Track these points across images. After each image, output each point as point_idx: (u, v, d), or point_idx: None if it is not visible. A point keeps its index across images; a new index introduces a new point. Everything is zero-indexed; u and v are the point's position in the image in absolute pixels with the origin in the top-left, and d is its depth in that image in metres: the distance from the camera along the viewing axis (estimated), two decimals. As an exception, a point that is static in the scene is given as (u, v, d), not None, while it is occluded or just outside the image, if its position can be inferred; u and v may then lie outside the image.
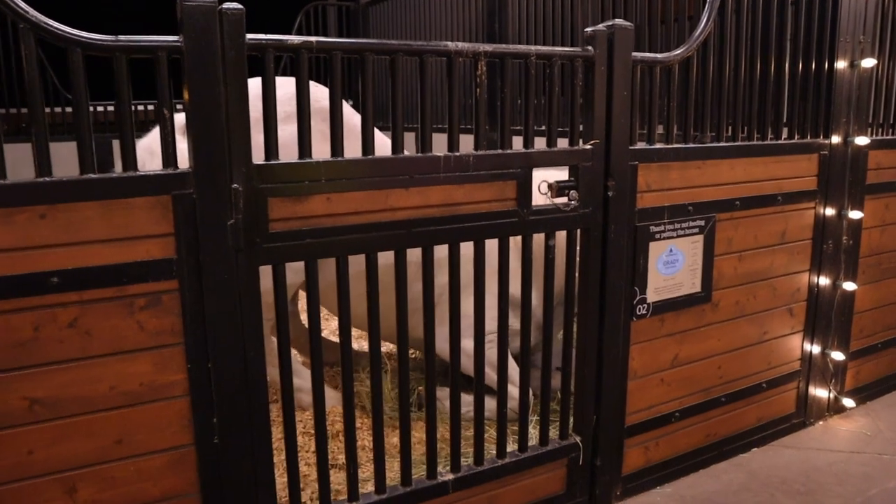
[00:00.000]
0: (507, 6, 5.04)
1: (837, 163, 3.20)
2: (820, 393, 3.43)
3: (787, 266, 3.15)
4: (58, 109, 6.53)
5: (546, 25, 4.72)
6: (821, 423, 3.47)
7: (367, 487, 2.34)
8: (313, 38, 1.96)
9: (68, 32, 1.70)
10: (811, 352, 3.34)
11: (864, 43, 3.16)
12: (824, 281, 3.28)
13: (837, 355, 3.38)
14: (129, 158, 1.83)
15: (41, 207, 1.72)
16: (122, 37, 1.76)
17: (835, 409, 3.50)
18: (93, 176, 1.78)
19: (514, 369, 2.90)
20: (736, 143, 2.88)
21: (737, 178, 2.89)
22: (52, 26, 1.68)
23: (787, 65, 2.99)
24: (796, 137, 3.09)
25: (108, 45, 1.74)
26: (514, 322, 2.64)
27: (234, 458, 2.04)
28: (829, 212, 3.22)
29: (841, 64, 3.11)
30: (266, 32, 1.91)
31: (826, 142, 3.15)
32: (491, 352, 2.73)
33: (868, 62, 3.16)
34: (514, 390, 2.76)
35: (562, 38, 4.59)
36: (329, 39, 2.00)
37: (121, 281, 1.83)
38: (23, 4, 1.65)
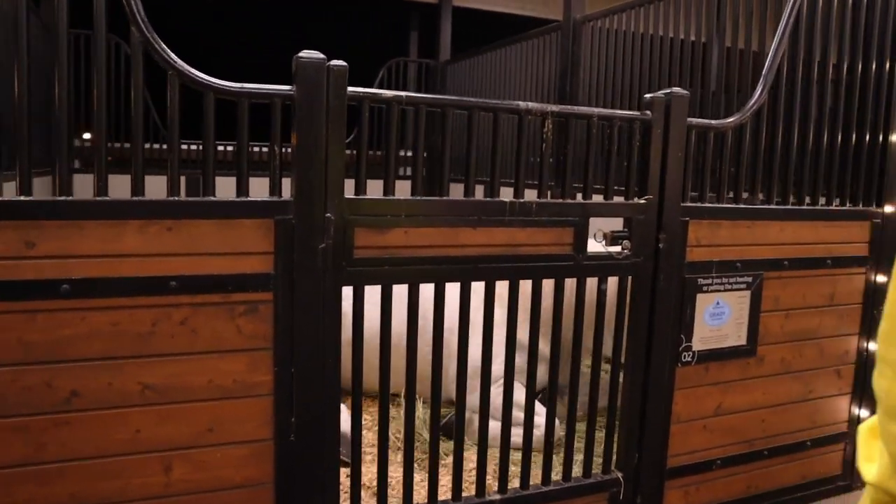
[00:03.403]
0: (580, 69, 5.34)
1: (890, 231, 3.31)
2: (868, 458, 3.46)
3: (835, 328, 3.26)
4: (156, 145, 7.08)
5: (615, 88, 4.98)
6: (868, 488, 3.49)
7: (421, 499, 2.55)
8: (403, 93, 2.27)
9: (205, 79, 2.06)
10: (859, 415, 3.39)
11: (918, 119, 3.31)
12: (874, 346, 3.36)
13: (886, 421, 3.41)
14: (243, 186, 2.16)
15: (169, 221, 2.06)
16: (245, 84, 2.11)
17: (883, 475, 3.51)
18: (212, 199, 2.12)
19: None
20: (786, 206, 3.05)
21: (786, 239, 3.05)
22: (194, 74, 2.05)
23: (839, 135, 3.16)
24: (848, 204, 3.23)
25: (235, 91, 2.10)
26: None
27: (306, 456, 2.29)
28: (881, 279, 3.32)
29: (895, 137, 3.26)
30: (351, 84, 2.22)
31: (879, 210, 3.28)
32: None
33: (922, 137, 3.30)
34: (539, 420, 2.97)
35: (630, 100, 4.84)
36: (415, 94, 2.31)
37: (226, 289, 2.14)
38: (172, 55, 2.03)
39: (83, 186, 2.02)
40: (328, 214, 2.20)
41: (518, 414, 2.88)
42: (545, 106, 2.47)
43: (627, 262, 2.70)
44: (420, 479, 2.83)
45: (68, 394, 2.03)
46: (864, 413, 3.39)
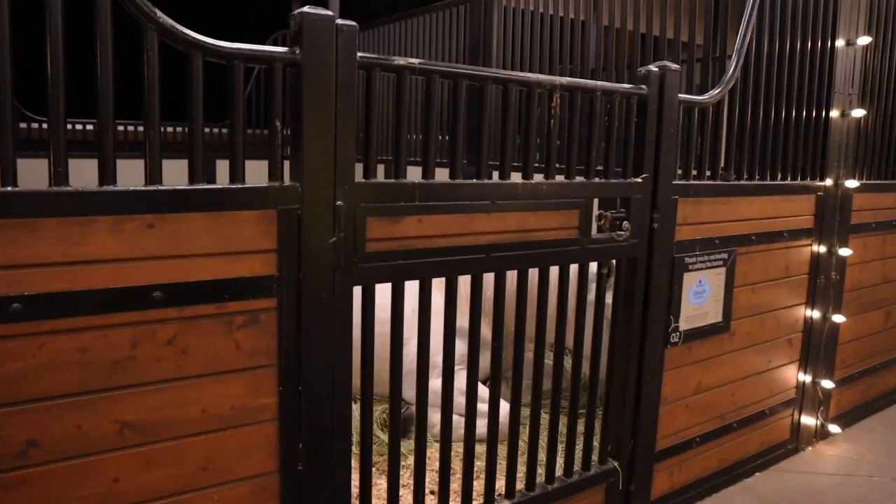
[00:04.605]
0: (492, 47, 5.14)
1: (830, 203, 3.45)
2: (808, 420, 3.62)
3: (788, 299, 3.35)
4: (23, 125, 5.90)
5: (527, 68, 4.86)
6: (810, 448, 3.66)
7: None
8: (415, 60, 1.96)
9: (191, 36, 1.64)
10: (804, 381, 3.53)
11: (852, 95, 3.45)
12: (817, 314, 3.50)
13: (827, 384, 3.59)
14: (238, 169, 1.76)
15: (150, 217, 1.63)
16: (241, 45, 1.71)
17: (821, 434, 3.70)
18: (203, 186, 1.71)
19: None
20: (755, 182, 3.07)
21: (754, 214, 3.06)
22: (176, 29, 1.62)
23: (793, 112, 3.22)
24: (798, 179, 3.32)
25: (228, 51, 1.69)
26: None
27: (315, 484, 1.95)
28: (822, 249, 3.45)
29: (834, 113, 3.38)
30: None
31: (822, 183, 3.40)
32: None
33: (857, 112, 3.45)
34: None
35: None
36: (428, 63, 2.00)
37: (222, 297, 1.75)
38: (150, 5, 1.59)
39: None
40: (339, 202, 1.86)
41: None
42: (553, 79, 2.26)
43: (627, 245, 2.56)
44: (430, 489, 2.55)
45: (23, 444, 1.56)
46: (807, 378, 3.54)
